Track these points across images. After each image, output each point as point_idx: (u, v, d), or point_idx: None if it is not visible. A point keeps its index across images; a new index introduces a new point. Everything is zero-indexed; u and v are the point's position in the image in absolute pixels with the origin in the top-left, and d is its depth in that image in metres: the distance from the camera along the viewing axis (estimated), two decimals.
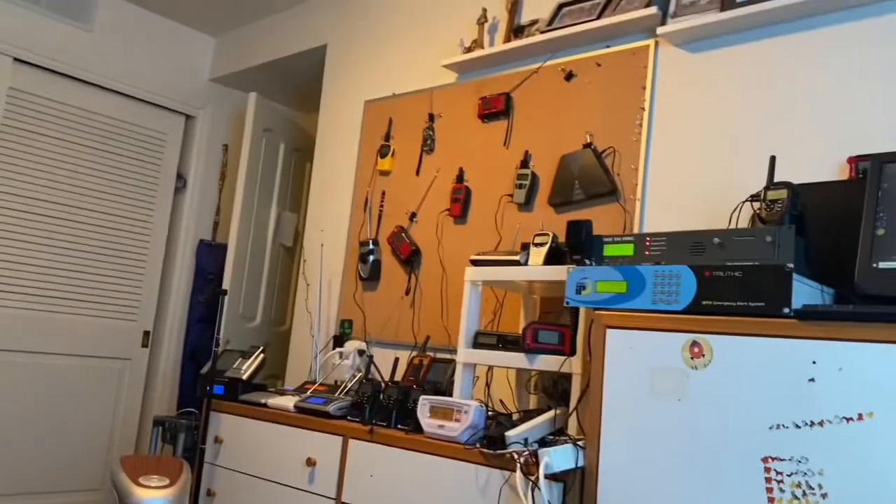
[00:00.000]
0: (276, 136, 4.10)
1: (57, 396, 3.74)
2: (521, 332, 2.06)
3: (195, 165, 4.27)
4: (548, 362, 1.98)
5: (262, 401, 2.56)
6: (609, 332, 1.71)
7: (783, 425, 1.42)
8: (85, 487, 3.83)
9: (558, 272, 2.01)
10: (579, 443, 1.73)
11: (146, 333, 4.10)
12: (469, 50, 2.91)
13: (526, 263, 2.12)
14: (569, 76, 2.63)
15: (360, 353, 2.77)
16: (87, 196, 3.86)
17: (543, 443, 1.83)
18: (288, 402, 2.48)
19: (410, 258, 2.98)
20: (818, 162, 2.04)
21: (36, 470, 3.65)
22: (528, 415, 2.04)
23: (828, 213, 1.79)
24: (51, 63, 3.71)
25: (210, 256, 4.28)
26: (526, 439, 1.83)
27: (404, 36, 3.30)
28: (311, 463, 2.29)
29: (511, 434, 1.83)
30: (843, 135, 2.01)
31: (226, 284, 3.78)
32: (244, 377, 2.71)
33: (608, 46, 2.55)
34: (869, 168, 1.57)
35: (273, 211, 4.08)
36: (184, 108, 4.23)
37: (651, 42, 2.44)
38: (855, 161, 1.94)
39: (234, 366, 2.78)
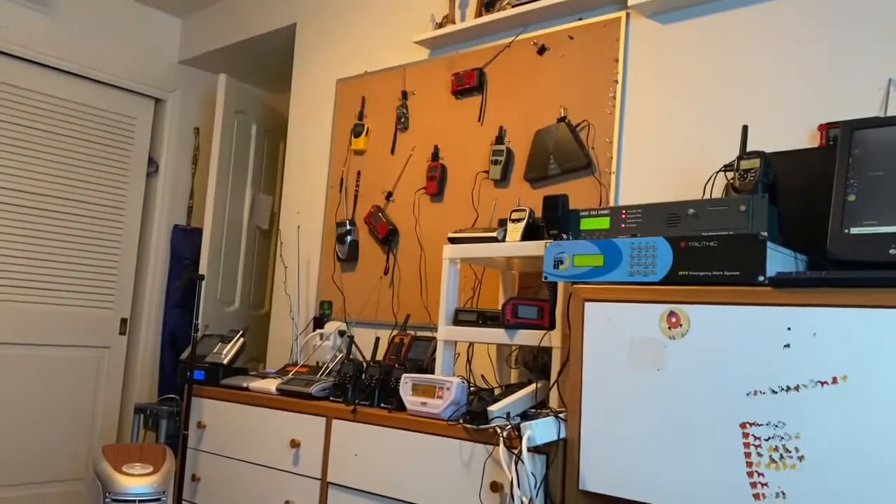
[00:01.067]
0: (248, 118, 4.05)
1: (35, 387, 3.70)
2: (500, 308, 2.07)
3: (167, 150, 4.21)
4: (528, 337, 1.99)
5: (244, 384, 2.55)
6: (587, 305, 1.72)
7: (760, 391, 1.44)
8: (68, 477, 3.80)
9: (536, 247, 2.01)
10: (560, 415, 1.75)
11: (123, 321, 4.06)
12: (441, 25, 2.89)
13: (503, 240, 2.12)
14: (541, 50, 2.62)
15: (341, 333, 2.77)
16: (57, 184, 3.79)
17: (525, 416, 1.85)
18: (270, 384, 2.48)
19: (388, 238, 2.97)
20: (790, 130, 2.06)
21: (17, 461, 3.62)
22: (509, 389, 2.06)
23: (800, 181, 1.81)
24: (12, 48, 3.61)
25: (185, 241, 4.24)
26: (508, 413, 1.85)
27: (375, 12, 3.26)
28: (295, 444, 2.29)
29: (493, 409, 1.84)
30: (814, 102, 2.03)
31: (202, 269, 3.75)
32: (225, 362, 2.70)
33: (580, 19, 2.54)
34: (839, 135, 1.59)
35: (247, 194, 4.04)
36: (153, 92, 4.16)
37: (622, 14, 2.43)
38: (825, 128, 1.96)
39: (215, 351, 2.77)
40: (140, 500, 2.32)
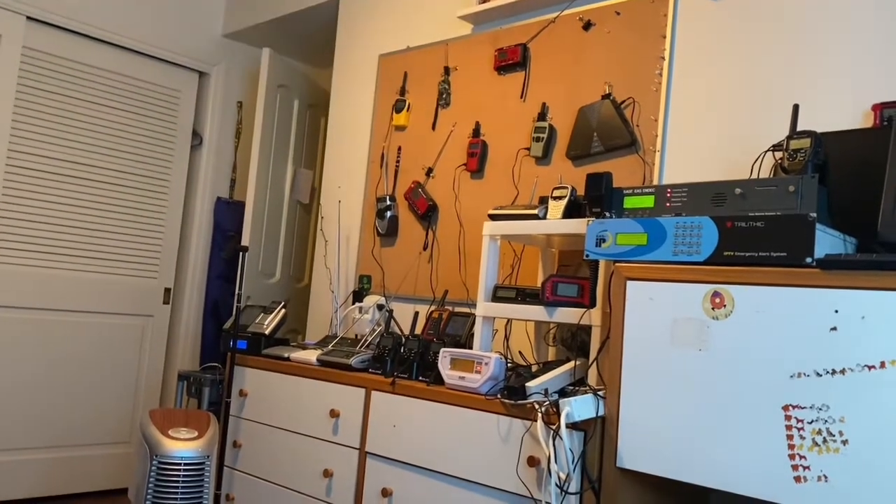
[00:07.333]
0: (291, 92, 4.07)
1: (83, 353, 3.81)
2: (540, 285, 2.07)
3: (210, 123, 4.27)
4: (567, 315, 1.99)
5: (285, 355, 2.60)
6: (629, 283, 1.71)
7: (804, 373, 1.43)
8: (114, 440, 3.93)
9: (577, 225, 2.01)
10: (599, 392, 1.76)
11: (167, 290, 4.15)
12: (485, 0, 2.86)
13: (544, 217, 2.12)
14: (587, 25, 2.59)
15: (380, 307, 2.80)
16: (104, 155, 3.87)
17: (563, 393, 1.86)
18: (310, 355, 2.52)
19: (427, 213, 2.98)
20: (842, 110, 2.01)
21: (65, 424, 3.74)
22: (547, 366, 2.07)
23: (851, 162, 1.77)
24: (63, 21, 3.68)
25: (228, 214, 4.30)
26: (546, 390, 1.86)
27: None
28: (334, 414, 2.34)
29: (531, 385, 1.86)
30: (868, 82, 1.98)
31: (245, 241, 3.81)
32: (267, 332, 2.75)
33: None
34: (895, 115, 1.55)
35: (289, 168, 4.08)
36: (197, 65, 4.21)
37: None
38: (880, 108, 1.91)
39: (257, 321, 2.82)
40: (186, 464, 2.39)
